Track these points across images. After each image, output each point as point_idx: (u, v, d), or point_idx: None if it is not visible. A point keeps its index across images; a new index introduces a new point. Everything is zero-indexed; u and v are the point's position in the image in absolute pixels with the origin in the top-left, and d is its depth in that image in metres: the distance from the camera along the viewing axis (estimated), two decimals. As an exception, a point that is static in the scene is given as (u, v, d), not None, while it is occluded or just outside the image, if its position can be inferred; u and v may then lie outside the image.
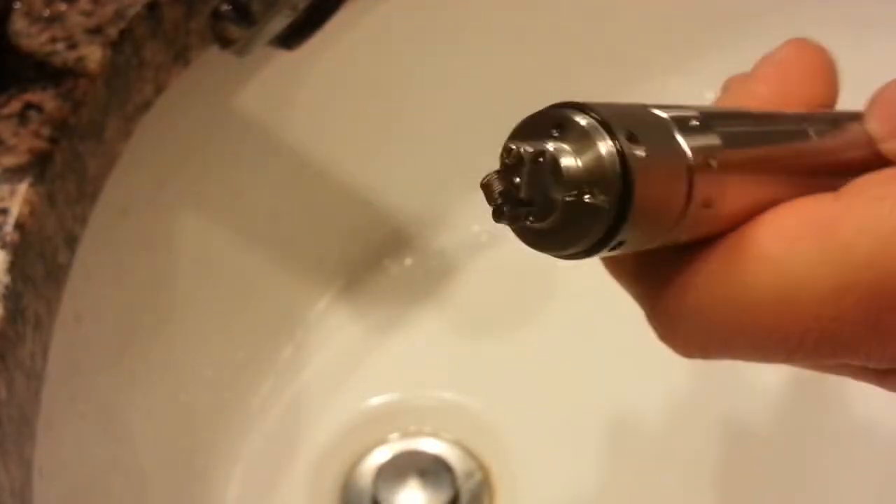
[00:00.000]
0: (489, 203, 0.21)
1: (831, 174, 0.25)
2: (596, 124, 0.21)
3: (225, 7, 0.42)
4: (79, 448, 0.42)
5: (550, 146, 0.21)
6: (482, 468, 0.52)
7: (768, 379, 0.52)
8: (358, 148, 0.57)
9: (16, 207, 0.36)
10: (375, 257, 0.59)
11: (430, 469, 0.52)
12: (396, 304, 0.58)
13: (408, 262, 0.59)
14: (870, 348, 0.23)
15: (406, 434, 0.54)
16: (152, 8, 0.43)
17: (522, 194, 0.21)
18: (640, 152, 0.20)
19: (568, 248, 0.21)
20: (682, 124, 0.22)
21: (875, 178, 0.24)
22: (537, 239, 0.22)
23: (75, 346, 0.41)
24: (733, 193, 0.23)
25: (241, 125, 0.52)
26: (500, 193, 0.21)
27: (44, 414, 0.37)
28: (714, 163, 0.22)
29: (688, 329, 0.24)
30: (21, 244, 0.35)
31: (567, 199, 0.20)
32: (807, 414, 0.52)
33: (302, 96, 0.54)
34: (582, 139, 0.20)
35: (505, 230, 0.22)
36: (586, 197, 0.20)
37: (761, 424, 0.52)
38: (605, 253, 0.21)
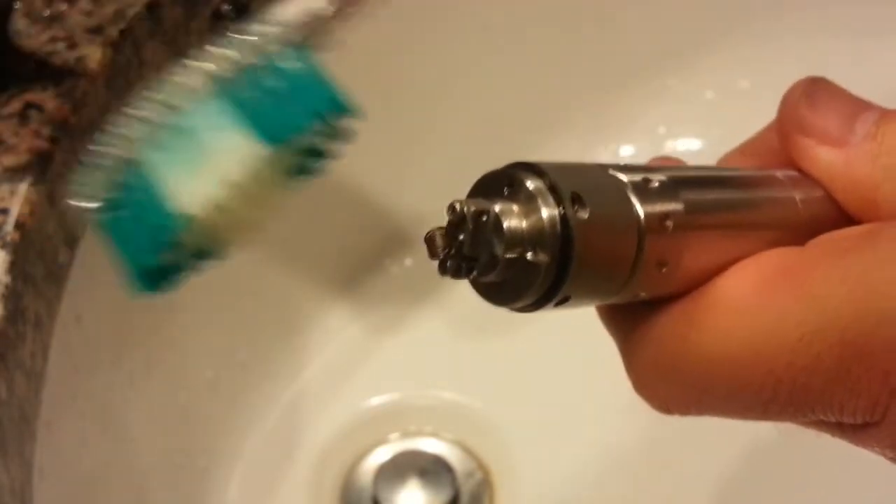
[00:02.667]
0: (431, 257, 0.23)
1: (803, 233, 0.25)
2: (543, 187, 0.22)
3: (225, 7, 0.42)
4: (79, 448, 0.42)
5: (497, 207, 0.22)
6: (482, 468, 0.52)
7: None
8: (358, 148, 0.57)
9: (16, 207, 0.36)
10: (375, 257, 0.59)
11: (430, 469, 0.52)
12: (396, 304, 0.58)
13: (408, 262, 0.59)
14: (842, 400, 0.23)
15: (406, 434, 0.54)
16: (152, 8, 0.43)
17: (466, 250, 0.22)
18: (582, 215, 0.21)
19: (514, 302, 0.22)
20: (641, 187, 0.23)
21: (842, 233, 0.24)
22: (486, 292, 0.23)
23: (75, 346, 0.41)
24: (696, 252, 0.23)
25: (242, 125, 0.52)
26: (444, 249, 0.22)
27: (44, 414, 0.37)
28: (670, 224, 0.23)
29: (664, 385, 0.24)
30: (21, 244, 0.35)
31: (509, 256, 0.21)
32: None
33: (302, 96, 0.54)
34: (528, 201, 0.22)
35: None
36: (528, 255, 0.21)
37: (762, 424, 0.52)
38: (552, 308, 0.22)
